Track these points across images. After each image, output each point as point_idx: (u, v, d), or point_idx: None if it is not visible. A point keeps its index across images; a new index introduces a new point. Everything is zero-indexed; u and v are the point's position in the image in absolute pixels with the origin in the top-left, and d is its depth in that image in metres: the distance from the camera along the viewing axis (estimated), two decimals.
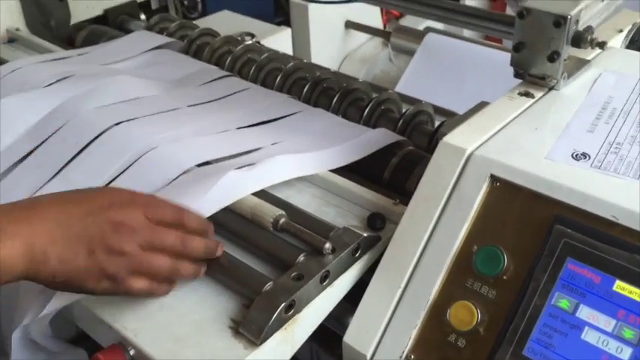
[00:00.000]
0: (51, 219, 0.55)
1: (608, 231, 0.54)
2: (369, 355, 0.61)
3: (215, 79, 0.95)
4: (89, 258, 0.56)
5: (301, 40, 1.45)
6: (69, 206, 0.57)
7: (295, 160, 0.74)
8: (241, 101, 0.89)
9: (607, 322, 0.52)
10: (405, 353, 0.60)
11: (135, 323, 0.60)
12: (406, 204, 0.65)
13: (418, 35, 1.43)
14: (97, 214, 0.57)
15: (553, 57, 0.67)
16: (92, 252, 0.56)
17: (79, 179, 0.74)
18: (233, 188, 0.68)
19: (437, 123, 0.91)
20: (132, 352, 0.59)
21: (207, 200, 0.66)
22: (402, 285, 0.62)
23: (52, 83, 0.89)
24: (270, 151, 0.77)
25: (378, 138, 0.81)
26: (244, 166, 0.71)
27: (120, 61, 1.01)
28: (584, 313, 0.53)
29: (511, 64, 0.70)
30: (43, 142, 0.79)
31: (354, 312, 0.63)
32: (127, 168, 0.74)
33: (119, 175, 0.73)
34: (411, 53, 1.42)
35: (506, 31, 0.88)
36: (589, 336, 0.53)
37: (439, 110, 0.97)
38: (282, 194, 0.73)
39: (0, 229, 0.52)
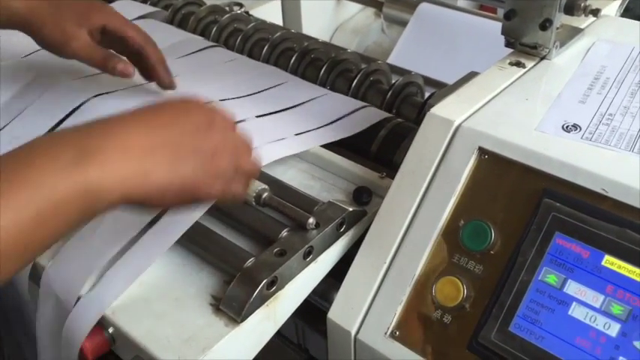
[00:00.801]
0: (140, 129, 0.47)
1: (598, 205, 0.53)
2: (353, 332, 0.60)
3: (200, 50, 0.93)
4: (196, 159, 0.49)
5: (292, 10, 1.41)
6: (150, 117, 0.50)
7: (277, 147, 0.71)
8: (226, 72, 0.86)
9: (595, 298, 0.51)
10: (390, 329, 0.58)
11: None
12: (393, 177, 0.63)
13: (411, 5, 1.39)
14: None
15: (545, 25, 0.65)
16: (196, 152, 0.49)
17: None
18: None
19: (427, 95, 0.88)
20: (111, 331, 0.58)
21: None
22: (388, 260, 0.60)
23: (29, 54, 0.87)
24: (253, 124, 0.74)
25: (365, 117, 0.78)
26: None
27: None
28: (572, 288, 0.52)
29: (502, 33, 0.68)
30: (19, 114, 0.76)
31: (338, 288, 0.62)
32: None
33: None
34: (404, 24, 1.39)
35: None
36: (576, 312, 0.51)
37: (430, 82, 0.95)
38: (265, 167, 0.71)
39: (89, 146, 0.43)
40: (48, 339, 0.62)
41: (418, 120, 0.80)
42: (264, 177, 0.69)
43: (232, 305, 0.57)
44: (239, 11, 1.09)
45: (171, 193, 0.49)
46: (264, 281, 0.57)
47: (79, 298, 0.59)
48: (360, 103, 0.82)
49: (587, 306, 0.51)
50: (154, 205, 0.51)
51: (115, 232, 0.62)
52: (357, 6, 1.51)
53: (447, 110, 0.62)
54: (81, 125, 0.46)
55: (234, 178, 0.54)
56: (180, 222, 0.62)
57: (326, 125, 0.76)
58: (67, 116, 0.75)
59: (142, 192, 0.46)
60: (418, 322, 0.58)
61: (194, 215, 0.62)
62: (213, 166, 0.51)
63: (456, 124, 0.60)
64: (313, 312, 0.66)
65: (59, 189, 0.42)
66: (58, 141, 0.45)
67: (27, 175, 0.41)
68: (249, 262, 0.59)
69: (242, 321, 0.56)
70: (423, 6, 1.37)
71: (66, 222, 0.43)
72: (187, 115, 0.51)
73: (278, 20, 1.34)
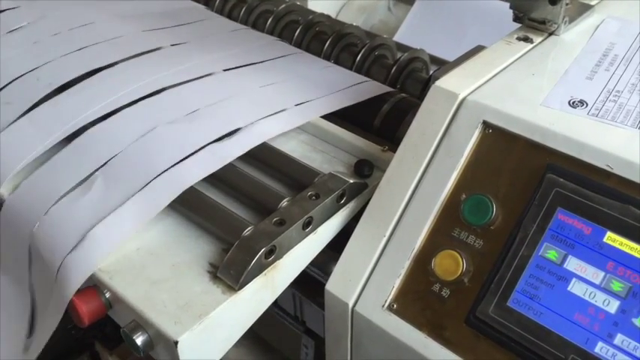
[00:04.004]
0: None
1: (602, 181, 0.52)
2: (351, 304, 0.60)
3: (202, 20, 0.92)
4: None
5: None
6: None
7: (277, 121, 0.70)
8: (229, 42, 0.85)
9: (595, 274, 0.51)
10: (388, 302, 0.58)
11: (110, 265, 0.59)
12: (395, 151, 0.62)
13: None
14: None
15: (555, 0, 0.64)
16: None
17: (48, 122, 0.71)
18: (214, 157, 0.65)
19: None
20: (107, 295, 0.58)
21: (188, 170, 0.63)
22: (387, 233, 0.60)
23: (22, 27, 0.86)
24: (255, 94, 0.74)
25: (366, 89, 0.78)
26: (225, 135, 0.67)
27: None
28: (572, 264, 0.51)
29: (510, 7, 0.67)
30: (14, 79, 0.75)
31: (337, 260, 0.62)
32: (101, 117, 0.71)
33: (92, 124, 0.70)
34: (410, 2, 1.37)
35: None
36: (576, 288, 0.51)
37: (436, 61, 0.94)
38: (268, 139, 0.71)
39: None
40: (44, 298, 0.62)
41: (422, 96, 0.79)
42: (265, 147, 0.69)
43: (230, 273, 0.57)
44: None
45: None
46: (263, 250, 0.57)
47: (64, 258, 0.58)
48: (363, 78, 0.81)
49: (587, 282, 0.51)
50: None
51: (105, 197, 0.62)
52: None
53: (452, 83, 0.61)
54: None
55: None
56: (172, 185, 0.61)
57: (327, 95, 0.75)
58: None
59: None
60: (416, 295, 0.57)
61: (186, 180, 0.61)
62: None
63: (460, 97, 0.59)
64: (311, 284, 0.66)
65: None
66: None
67: None
68: (248, 230, 0.59)
69: (239, 289, 0.56)
70: None
71: None
72: None
73: None
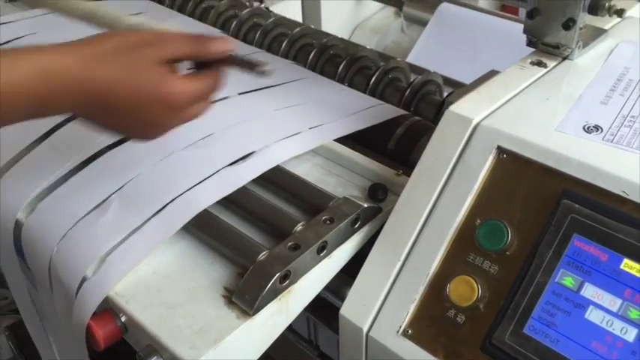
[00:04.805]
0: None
1: (618, 207, 0.52)
2: (365, 329, 0.59)
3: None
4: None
5: (311, 8, 1.41)
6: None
7: (291, 144, 0.71)
8: None
9: (612, 302, 0.50)
10: (403, 328, 0.58)
11: (126, 289, 0.59)
12: (409, 175, 0.63)
13: (432, 5, 1.38)
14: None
15: (568, 24, 0.64)
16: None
17: (66, 146, 0.72)
18: (228, 181, 0.66)
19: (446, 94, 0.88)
20: (123, 319, 0.58)
21: (202, 193, 0.64)
22: (402, 258, 0.60)
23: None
24: (270, 117, 0.74)
25: (380, 112, 0.78)
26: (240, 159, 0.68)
27: None
28: (589, 291, 0.51)
29: (524, 32, 0.67)
30: None
31: (351, 285, 0.62)
32: (117, 142, 0.72)
33: (108, 148, 0.71)
34: (424, 24, 1.38)
35: None
36: (593, 315, 0.51)
37: (450, 82, 0.94)
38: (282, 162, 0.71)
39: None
40: (65, 322, 0.63)
41: (436, 119, 0.80)
42: (279, 170, 0.69)
43: (245, 298, 0.57)
44: (259, 6, 1.09)
45: (116, 107, 0.53)
46: (277, 275, 0.57)
47: (83, 282, 0.59)
48: (377, 101, 0.82)
49: (604, 310, 0.50)
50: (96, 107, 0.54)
51: (120, 220, 0.62)
52: (377, 5, 1.50)
53: (466, 108, 0.61)
54: None
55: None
56: (187, 208, 0.62)
57: (341, 119, 0.76)
58: None
59: (91, 79, 0.52)
60: (431, 321, 0.57)
61: (200, 203, 0.62)
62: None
63: (474, 122, 0.60)
64: (325, 308, 0.66)
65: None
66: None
67: None
68: (263, 255, 0.59)
69: (254, 314, 0.56)
70: (444, 6, 1.36)
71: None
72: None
73: (298, 18, 1.34)
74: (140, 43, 0.55)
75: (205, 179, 0.65)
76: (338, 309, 0.62)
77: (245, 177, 0.66)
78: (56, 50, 0.52)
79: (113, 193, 0.66)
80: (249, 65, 0.59)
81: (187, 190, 0.64)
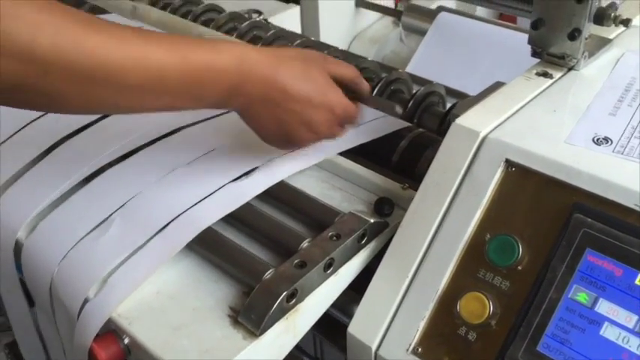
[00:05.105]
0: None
1: (631, 220, 0.51)
2: (374, 347, 0.58)
3: None
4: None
5: (310, 18, 1.40)
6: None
7: (294, 159, 0.70)
8: None
9: (628, 318, 0.49)
10: (412, 346, 0.57)
11: (130, 311, 0.58)
12: (416, 189, 0.62)
13: (430, 14, 1.38)
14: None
15: (574, 35, 0.63)
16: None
17: (67, 164, 0.71)
18: (231, 197, 0.65)
19: (448, 105, 0.87)
20: (126, 341, 0.57)
21: (205, 211, 0.63)
22: (410, 274, 0.59)
23: None
24: None
25: (383, 125, 0.77)
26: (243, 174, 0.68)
27: None
28: (604, 307, 0.50)
29: (529, 42, 0.67)
30: (33, 120, 0.76)
31: (359, 301, 0.61)
32: (119, 159, 0.71)
33: (109, 165, 0.70)
34: (422, 33, 1.37)
35: (524, 8, 0.83)
36: (608, 332, 0.49)
37: (451, 92, 0.93)
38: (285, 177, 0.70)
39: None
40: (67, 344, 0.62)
41: (440, 130, 0.79)
42: (283, 186, 0.68)
43: (251, 317, 0.56)
44: (258, 19, 1.08)
45: (290, 101, 0.60)
46: (284, 293, 0.56)
47: (85, 304, 0.58)
48: (380, 113, 0.81)
49: (620, 326, 0.49)
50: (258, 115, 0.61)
51: (122, 239, 0.61)
52: (376, 15, 1.50)
53: (473, 121, 0.60)
54: None
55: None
56: (190, 226, 0.61)
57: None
58: None
59: (271, 75, 0.58)
60: (441, 338, 0.56)
61: (204, 221, 0.61)
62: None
63: (482, 135, 0.59)
64: (332, 325, 0.64)
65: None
66: None
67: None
68: (269, 273, 0.58)
69: (260, 334, 0.55)
70: (443, 15, 1.35)
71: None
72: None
73: (296, 28, 1.34)
74: (313, 56, 0.65)
75: (208, 196, 0.64)
76: (345, 326, 0.61)
77: (249, 193, 0.65)
78: (249, 45, 0.63)
79: (115, 212, 0.65)
80: (388, 107, 0.69)
81: (190, 207, 0.63)
